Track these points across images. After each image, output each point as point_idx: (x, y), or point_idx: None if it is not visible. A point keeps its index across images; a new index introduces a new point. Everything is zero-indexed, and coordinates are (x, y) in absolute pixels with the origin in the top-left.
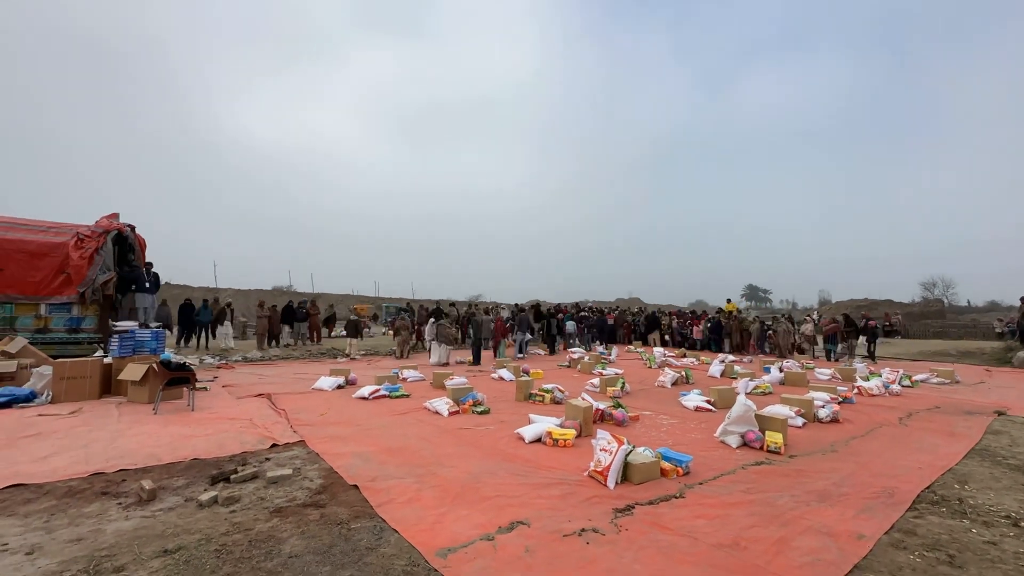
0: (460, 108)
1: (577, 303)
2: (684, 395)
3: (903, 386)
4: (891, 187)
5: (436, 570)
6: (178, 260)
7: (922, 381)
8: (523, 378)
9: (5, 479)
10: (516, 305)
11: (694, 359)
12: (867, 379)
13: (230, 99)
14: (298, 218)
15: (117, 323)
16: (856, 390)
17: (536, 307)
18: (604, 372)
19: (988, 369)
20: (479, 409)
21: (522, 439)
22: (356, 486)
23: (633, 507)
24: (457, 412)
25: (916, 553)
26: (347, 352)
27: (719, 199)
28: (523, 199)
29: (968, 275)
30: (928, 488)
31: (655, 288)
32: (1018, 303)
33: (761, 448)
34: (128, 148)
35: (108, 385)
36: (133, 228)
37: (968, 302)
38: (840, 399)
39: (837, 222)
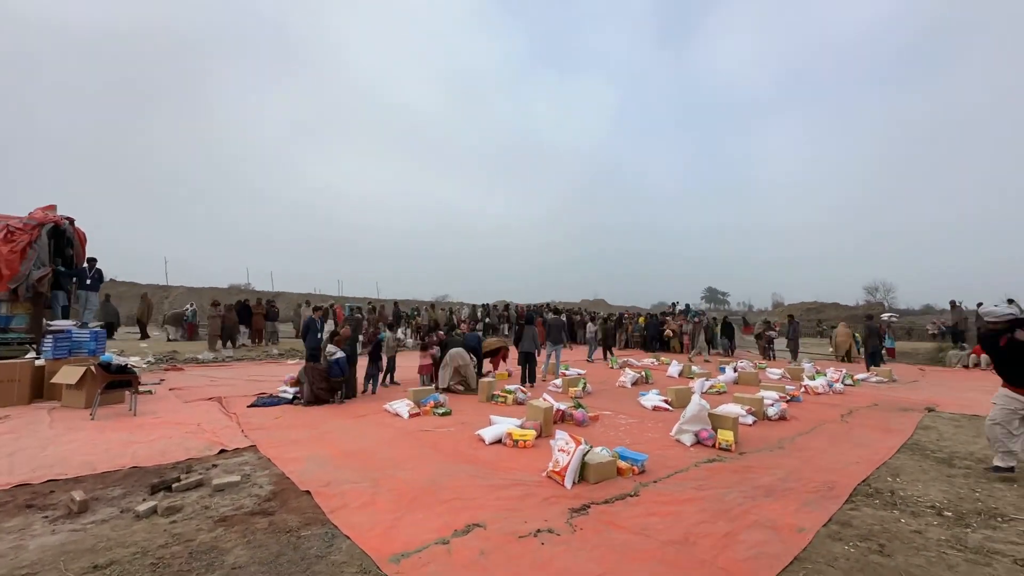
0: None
1: (548, 303)
2: (643, 395)
3: (846, 385)
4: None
5: None
6: (124, 256)
7: (863, 380)
8: (487, 379)
9: None
10: (483, 306)
11: (654, 359)
12: (813, 378)
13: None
14: (257, 214)
15: (52, 323)
16: (803, 389)
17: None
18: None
19: (922, 368)
20: (440, 411)
21: (482, 440)
22: (308, 492)
23: (589, 507)
24: (418, 414)
25: (851, 544)
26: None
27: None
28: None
29: (904, 278)
30: (864, 481)
31: (621, 292)
32: (948, 307)
33: (713, 446)
34: (80, 138)
35: (40, 389)
36: (72, 221)
37: (907, 306)
38: (788, 397)
39: (788, 222)
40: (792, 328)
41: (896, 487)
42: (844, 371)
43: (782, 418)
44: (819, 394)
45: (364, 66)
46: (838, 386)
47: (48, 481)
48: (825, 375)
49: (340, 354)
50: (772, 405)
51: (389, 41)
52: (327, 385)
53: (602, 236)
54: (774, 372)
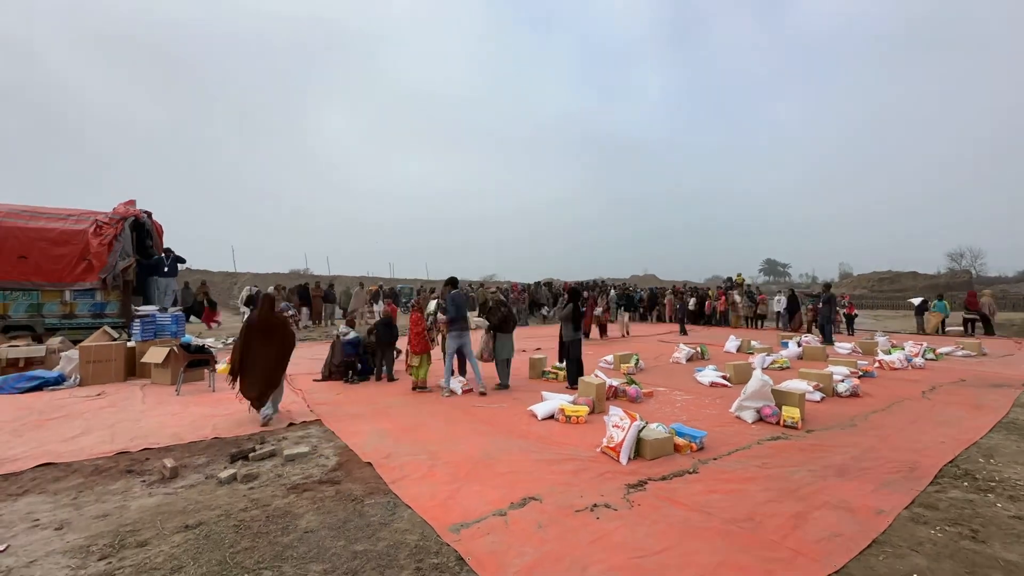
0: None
1: (595, 280)
2: (699, 371)
3: (927, 359)
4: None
5: (448, 544)
6: (195, 245)
7: (947, 354)
8: (536, 356)
9: (36, 458)
10: (531, 284)
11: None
12: (888, 352)
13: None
14: (314, 203)
15: (139, 308)
16: (878, 364)
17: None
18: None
19: (1018, 341)
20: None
21: (535, 416)
22: (370, 463)
23: (646, 482)
24: (470, 391)
25: (937, 528)
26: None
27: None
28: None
29: (997, 247)
30: (951, 462)
31: (675, 266)
32: None
33: (778, 423)
34: (146, 134)
35: (132, 368)
36: (150, 214)
37: (999, 274)
38: (861, 373)
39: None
40: (828, 305)
41: (991, 469)
42: (925, 344)
43: (854, 395)
44: (896, 369)
45: (420, 75)
46: (918, 360)
47: (144, 449)
48: (903, 348)
49: (353, 334)
50: (842, 381)
51: (435, 46)
52: (341, 362)
53: (652, 209)
54: (843, 347)
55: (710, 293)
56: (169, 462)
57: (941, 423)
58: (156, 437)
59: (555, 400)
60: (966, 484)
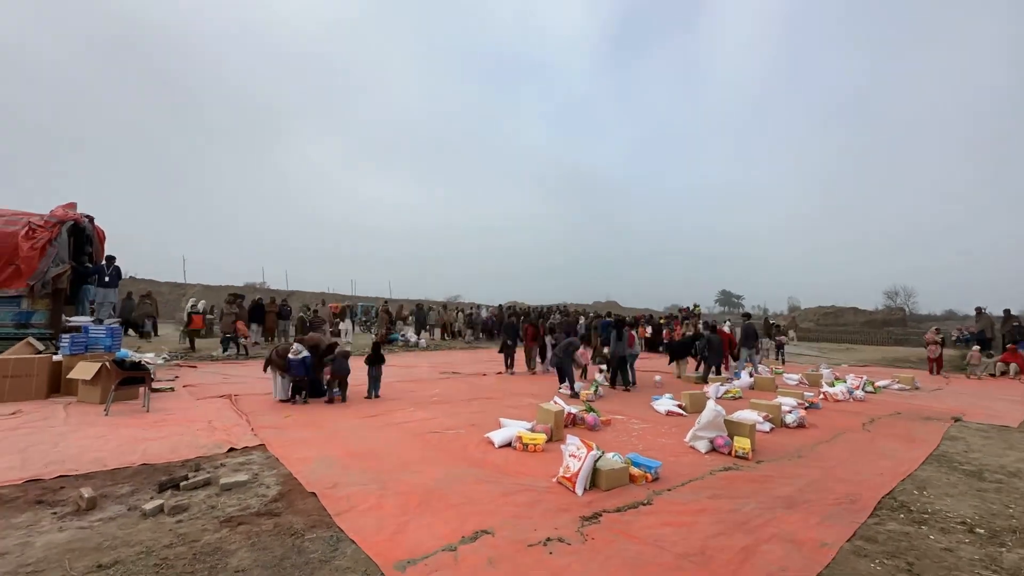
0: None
1: (558, 306)
2: (656, 399)
3: (866, 392)
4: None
5: None
6: (143, 255)
7: (884, 387)
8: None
9: None
10: (499, 307)
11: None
12: (832, 385)
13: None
14: (271, 216)
15: (70, 319)
16: (822, 396)
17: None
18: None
19: (946, 376)
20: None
21: (492, 444)
22: (315, 493)
23: (600, 515)
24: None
25: (877, 561)
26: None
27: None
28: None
29: (927, 287)
30: (889, 494)
31: (635, 295)
32: (974, 313)
33: (729, 453)
34: (104, 136)
35: (57, 384)
36: (92, 219)
37: (929, 312)
38: (807, 404)
39: (809, 225)
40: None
41: (924, 501)
42: (864, 377)
43: (801, 425)
44: (839, 401)
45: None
46: (858, 393)
47: (59, 477)
48: (845, 381)
49: (305, 353)
50: (790, 412)
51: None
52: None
53: (613, 238)
54: (791, 378)
55: (662, 321)
56: (87, 492)
57: (880, 455)
58: (75, 463)
59: (513, 427)
60: (902, 516)
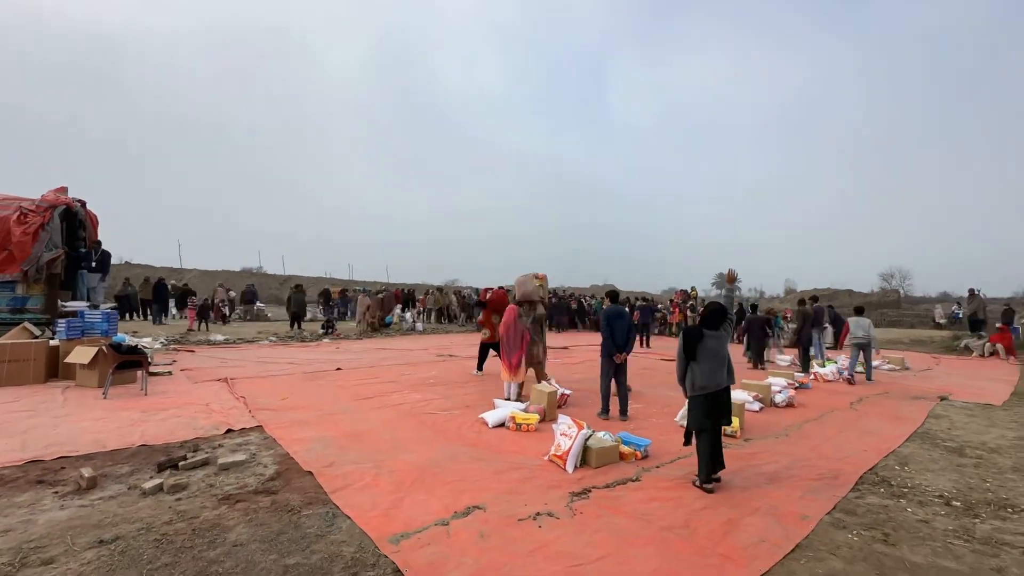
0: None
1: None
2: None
3: (857, 372)
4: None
5: (386, 556)
6: (140, 239)
7: (875, 368)
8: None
9: None
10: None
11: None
12: (823, 366)
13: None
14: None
15: (66, 304)
16: (813, 376)
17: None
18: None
19: (936, 357)
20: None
21: (486, 424)
22: (311, 472)
23: (590, 491)
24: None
25: (854, 532)
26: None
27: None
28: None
29: (923, 268)
30: (871, 470)
31: (634, 276)
32: (967, 294)
33: None
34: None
35: (55, 369)
36: (84, 203)
37: (924, 294)
38: (797, 384)
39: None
40: (804, 322)
41: (904, 476)
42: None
43: (789, 405)
44: (829, 381)
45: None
46: (848, 374)
47: (59, 458)
48: (836, 362)
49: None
50: (780, 392)
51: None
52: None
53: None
54: (783, 359)
55: (660, 307)
56: (87, 471)
57: (865, 433)
58: (75, 444)
59: (506, 408)
60: (882, 490)
